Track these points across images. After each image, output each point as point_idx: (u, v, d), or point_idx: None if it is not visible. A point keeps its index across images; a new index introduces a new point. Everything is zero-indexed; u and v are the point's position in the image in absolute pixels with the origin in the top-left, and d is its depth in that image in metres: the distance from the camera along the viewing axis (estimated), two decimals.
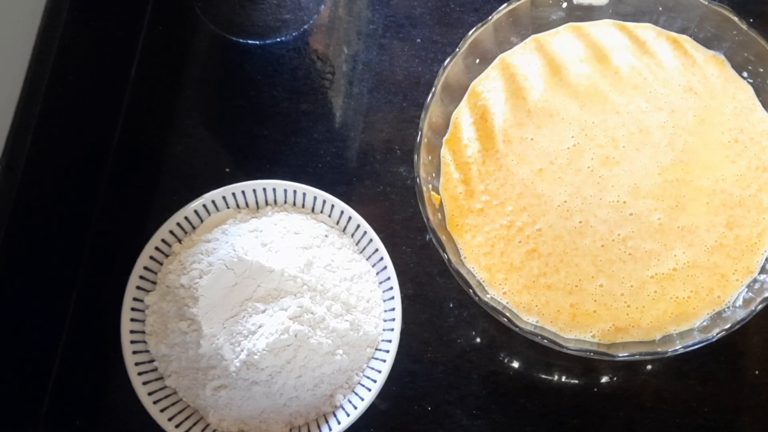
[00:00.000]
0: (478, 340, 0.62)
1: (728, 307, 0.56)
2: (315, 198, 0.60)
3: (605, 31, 0.62)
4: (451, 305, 0.63)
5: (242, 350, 0.53)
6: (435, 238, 0.56)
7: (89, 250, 0.65)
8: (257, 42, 0.70)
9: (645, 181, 0.58)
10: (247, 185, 0.60)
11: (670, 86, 0.60)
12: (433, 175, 0.60)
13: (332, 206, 0.59)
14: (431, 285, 0.63)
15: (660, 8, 0.61)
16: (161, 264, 0.59)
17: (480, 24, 0.59)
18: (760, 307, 0.53)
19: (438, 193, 0.60)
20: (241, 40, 0.70)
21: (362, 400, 0.55)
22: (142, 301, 0.58)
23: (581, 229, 0.57)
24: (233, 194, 0.60)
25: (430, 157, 0.59)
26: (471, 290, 0.55)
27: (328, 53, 0.69)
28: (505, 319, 0.54)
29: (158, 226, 0.59)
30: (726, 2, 0.59)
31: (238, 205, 0.60)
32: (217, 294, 0.54)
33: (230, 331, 0.54)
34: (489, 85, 0.62)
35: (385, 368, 0.55)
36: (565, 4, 0.62)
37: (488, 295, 0.57)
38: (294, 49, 0.69)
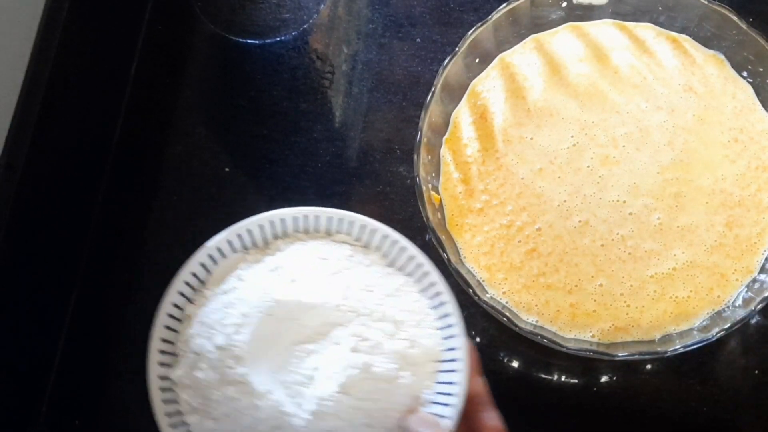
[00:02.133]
0: (478, 339, 0.62)
1: (728, 307, 0.56)
2: (330, 219, 0.54)
3: (605, 30, 0.62)
4: None
5: (306, 400, 0.47)
6: (435, 237, 0.56)
7: (89, 249, 0.65)
8: (257, 42, 0.70)
9: (645, 180, 0.58)
10: (252, 222, 0.53)
11: (670, 86, 0.60)
12: (433, 174, 0.60)
13: (350, 223, 0.53)
14: None
15: (660, 8, 0.61)
16: (177, 332, 0.51)
17: (480, 23, 0.59)
18: (759, 306, 0.53)
19: (438, 192, 0.60)
20: (240, 40, 0.70)
21: (443, 417, 0.48)
22: (168, 378, 0.50)
23: (581, 229, 0.57)
24: (239, 236, 0.53)
25: (429, 157, 0.59)
26: (471, 290, 0.55)
27: (328, 53, 0.69)
28: (504, 319, 0.54)
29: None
30: (726, 2, 0.59)
31: (245, 247, 0.54)
32: (260, 346, 0.48)
33: (284, 382, 0.48)
34: (489, 84, 0.62)
35: (462, 378, 0.49)
36: (564, 4, 0.62)
37: (488, 295, 0.57)
38: (294, 48, 0.69)
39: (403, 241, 0.52)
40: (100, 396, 0.63)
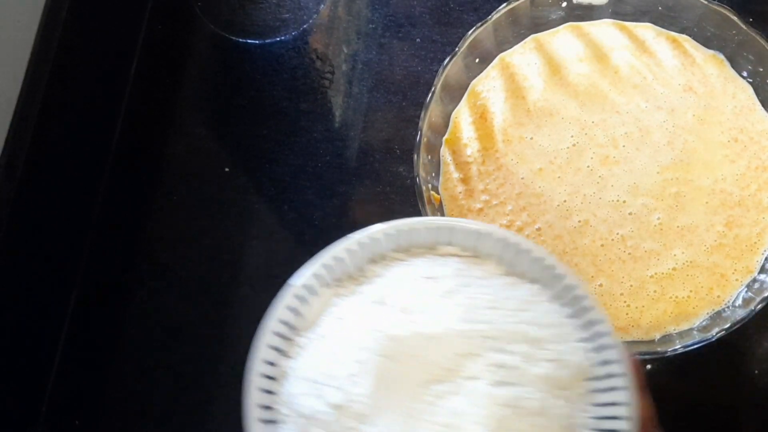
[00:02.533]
0: None
1: (728, 307, 0.56)
2: (429, 230, 0.45)
3: (605, 30, 0.62)
4: None
5: None
6: None
7: (89, 249, 0.65)
8: (257, 41, 0.70)
9: (644, 180, 0.58)
10: (341, 249, 0.44)
11: (670, 85, 0.60)
12: (433, 174, 0.60)
13: (452, 230, 0.45)
14: None
15: (660, 8, 0.61)
16: (272, 393, 0.42)
17: (479, 23, 0.59)
18: (759, 306, 0.53)
19: (438, 192, 0.60)
20: (240, 40, 0.70)
21: None
22: None
23: (581, 229, 0.57)
24: (327, 267, 0.44)
25: (429, 157, 0.59)
26: None
27: (328, 53, 0.69)
28: None
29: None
30: (726, 2, 0.59)
31: (335, 279, 0.45)
32: (383, 396, 0.39)
33: None
34: (488, 84, 0.62)
35: (626, 397, 0.40)
36: (564, 4, 0.61)
37: None
38: (294, 48, 0.69)
39: (525, 243, 0.44)
40: (100, 396, 0.63)
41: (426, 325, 0.40)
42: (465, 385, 0.39)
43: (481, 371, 0.39)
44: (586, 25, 0.63)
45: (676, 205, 0.57)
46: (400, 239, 0.45)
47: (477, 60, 0.62)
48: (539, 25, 0.62)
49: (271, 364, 0.42)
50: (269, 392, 0.42)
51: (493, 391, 0.39)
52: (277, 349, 0.43)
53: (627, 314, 0.56)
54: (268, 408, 0.41)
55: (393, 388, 0.39)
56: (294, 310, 0.43)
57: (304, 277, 0.43)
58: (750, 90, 0.60)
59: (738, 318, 0.53)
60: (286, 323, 0.43)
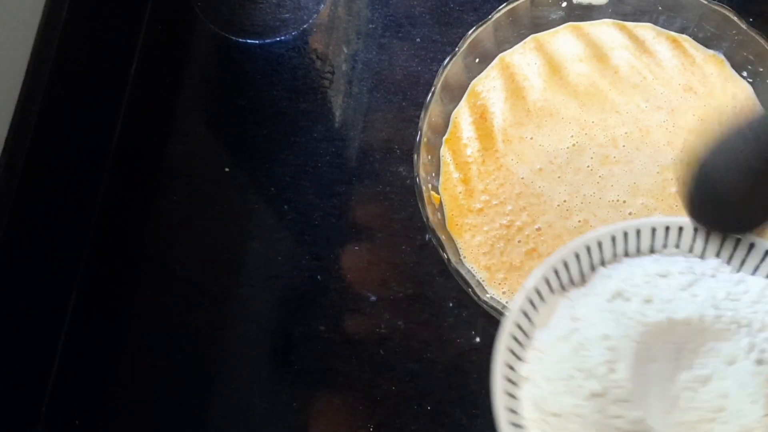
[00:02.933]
0: (478, 339, 0.62)
1: None
2: (654, 231, 0.44)
3: (605, 30, 0.62)
4: (451, 305, 0.63)
5: None
6: (434, 237, 0.56)
7: (89, 249, 0.65)
8: (257, 41, 0.70)
9: (644, 180, 0.58)
10: (569, 252, 0.44)
11: (670, 85, 0.60)
12: (433, 174, 0.60)
13: (667, 228, 0.44)
14: (431, 285, 0.63)
15: (660, 8, 0.61)
16: (516, 398, 0.42)
17: (479, 23, 0.59)
18: None
19: (437, 192, 0.60)
20: (240, 40, 0.70)
21: None
22: None
23: (581, 229, 0.57)
24: (555, 271, 0.44)
25: (429, 157, 0.59)
26: (470, 290, 0.55)
27: (328, 53, 0.70)
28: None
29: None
30: (726, 2, 0.59)
31: (561, 285, 0.44)
32: (643, 381, 0.39)
33: (687, 425, 0.39)
34: (488, 84, 0.62)
35: None
36: (564, 4, 0.62)
37: (488, 295, 0.57)
38: (293, 48, 0.69)
39: (749, 237, 0.43)
40: (100, 396, 0.63)
41: (675, 312, 0.40)
42: (723, 369, 0.39)
43: (739, 353, 0.39)
44: (586, 25, 0.63)
45: (676, 205, 0.57)
46: (623, 244, 0.44)
47: (477, 60, 0.62)
48: (539, 25, 0.62)
49: (511, 367, 0.42)
50: (512, 396, 0.41)
51: (759, 370, 0.38)
52: (515, 354, 0.42)
53: None
54: (513, 412, 0.41)
55: (650, 373, 0.39)
56: (527, 314, 0.43)
57: (535, 280, 0.43)
58: (750, 90, 0.60)
59: None
60: (520, 327, 0.43)
